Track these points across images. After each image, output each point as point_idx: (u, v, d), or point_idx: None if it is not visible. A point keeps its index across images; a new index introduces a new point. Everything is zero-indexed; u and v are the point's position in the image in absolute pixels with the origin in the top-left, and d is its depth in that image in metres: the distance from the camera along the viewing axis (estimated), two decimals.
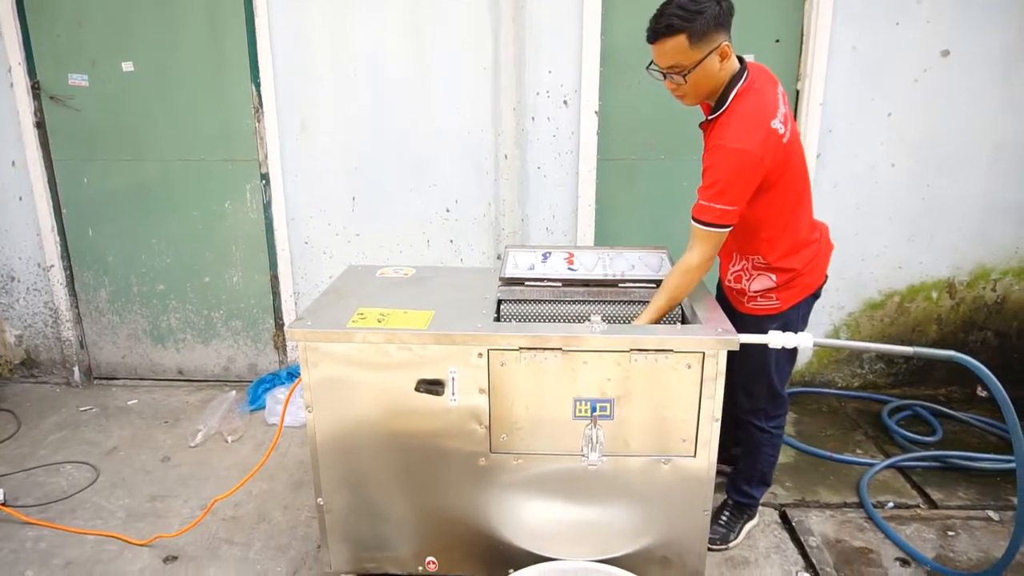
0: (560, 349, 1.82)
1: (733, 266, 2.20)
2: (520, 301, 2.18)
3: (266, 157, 3.28)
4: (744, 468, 2.41)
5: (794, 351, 2.25)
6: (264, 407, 3.28)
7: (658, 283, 2.14)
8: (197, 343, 3.57)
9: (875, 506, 2.56)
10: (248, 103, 3.22)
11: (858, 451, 2.95)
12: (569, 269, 2.24)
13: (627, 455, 1.91)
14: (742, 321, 2.20)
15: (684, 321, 2.12)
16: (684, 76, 1.88)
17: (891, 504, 2.59)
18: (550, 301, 2.18)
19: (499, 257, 3.36)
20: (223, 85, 3.21)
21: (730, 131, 1.86)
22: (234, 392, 3.42)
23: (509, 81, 3.14)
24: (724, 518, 2.43)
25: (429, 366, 1.86)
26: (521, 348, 1.82)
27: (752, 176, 1.87)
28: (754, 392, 2.28)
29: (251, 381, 3.53)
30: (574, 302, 2.18)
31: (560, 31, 3.09)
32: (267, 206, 3.34)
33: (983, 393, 3.43)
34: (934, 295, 3.36)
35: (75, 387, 3.61)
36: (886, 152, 3.18)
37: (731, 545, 2.38)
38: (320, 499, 2.01)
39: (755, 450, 2.36)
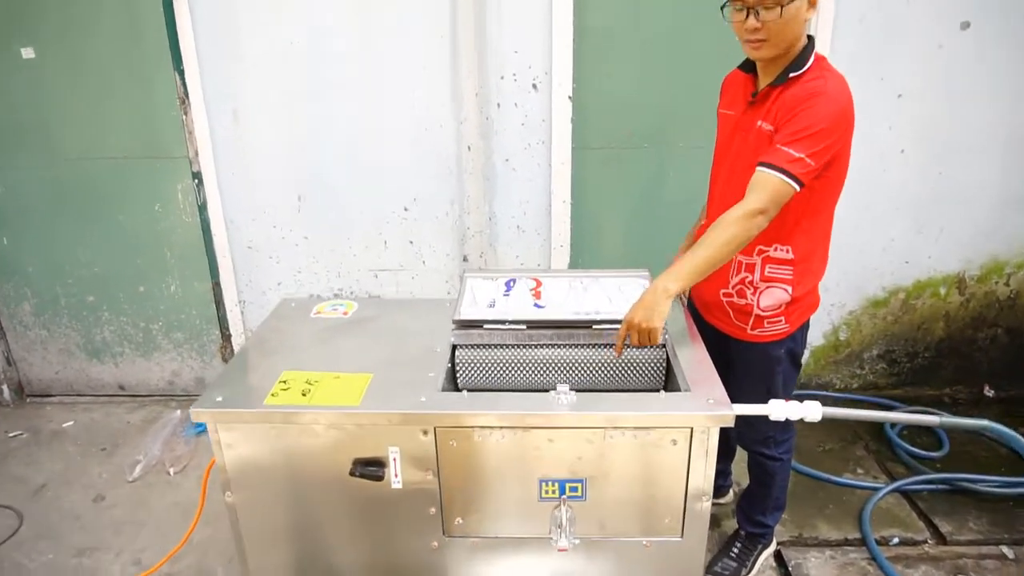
0: (520, 427, 1.52)
1: (735, 275, 1.89)
2: (478, 346, 1.87)
3: (197, 154, 2.89)
4: (757, 499, 2.21)
5: (799, 361, 2.02)
6: None
7: None
8: (137, 357, 3.25)
9: (879, 543, 2.34)
10: (172, 93, 2.81)
11: (859, 470, 2.71)
12: (535, 305, 1.92)
13: (603, 538, 1.63)
14: (743, 351, 1.95)
15: (668, 374, 1.82)
16: (780, 9, 1.61)
17: (896, 540, 2.37)
18: (513, 346, 1.87)
19: (465, 259, 3.03)
20: (141, 73, 2.79)
21: (827, 84, 1.65)
22: (179, 411, 3.12)
23: (470, 62, 2.75)
24: (736, 550, 2.25)
25: (365, 444, 1.57)
26: (473, 427, 1.52)
27: (840, 135, 1.66)
28: (758, 421, 2.01)
29: (199, 396, 3.22)
30: (541, 346, 1.87)
31: (527, 3, 2.68)
32: (202, 208, 2.97)
33: (990, 393, 3.19)
34: (942, 291, 3.08)
35: (6, 406, 3.29)
36: (895, 137, 2.84)
37: None
38: None
39: (768, 481, 2.15)
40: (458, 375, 1.87)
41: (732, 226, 1.62)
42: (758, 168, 1.64)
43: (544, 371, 1.88)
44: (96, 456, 2.91)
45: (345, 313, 1.99)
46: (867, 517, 2.42)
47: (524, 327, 1.86)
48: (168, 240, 3.03)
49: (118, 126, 2.87)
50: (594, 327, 1.85)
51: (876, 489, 2.56)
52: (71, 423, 3.15)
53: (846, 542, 2.36)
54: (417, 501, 1.61)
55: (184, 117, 2.84)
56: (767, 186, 1.61)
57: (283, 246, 3.04)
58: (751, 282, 1.87)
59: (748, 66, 1.85)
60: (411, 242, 3.02)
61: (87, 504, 2.63)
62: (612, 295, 1.98)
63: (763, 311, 1.88)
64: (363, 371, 1.66)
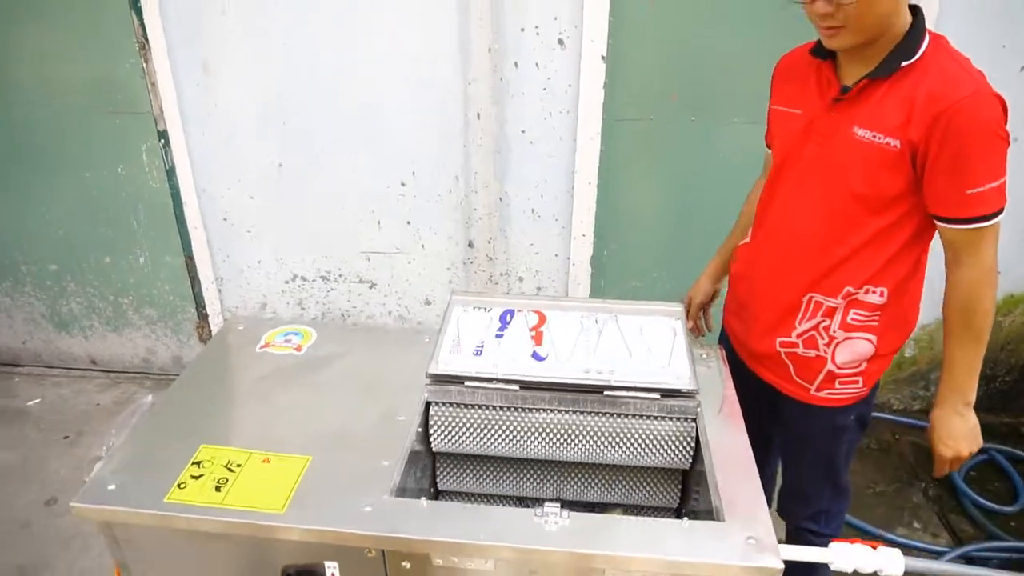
0: (492, 558, 1.15)
1: (804, 320, 1.47)
2: (458, 406, 1.48)
3: (162, 110, 2.47)
4: None
5: (867, 424, 1.62)
6: None
7: (660, 392, 1.43)
8: (108, 331, 2.94)
9: None
10: (129, 37, 2.37)
11: (915, 524, 2.32)
12: (534, 355, 1.51)
13: None
14: (800, 416, 1.57)
15: (695, 453, 1.42)
16: None
17: None
18: (502, 408, 1.48)
19: (470, 244, 2.61)
20: (94, 12, 2.35)
21: (971, 75, 1.25)
22: (149, 397, 2.80)
23: (482, 8, 2.25)
24: None
25: (295, 553, 1.21)
26: (430, 553, 1.16)
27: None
28: (813, 496, 1.67)
29: (176, 376, 2.93)
30: (538, 410, 1.48)
31: None
32: (170, 172, 2.58)
33: None
34: None
35: None
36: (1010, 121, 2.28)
37: None
38: None
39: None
40: (431, 436, 1.50)
41: (983, 301, 1.31)
42: (958, 227, 1.28)
43: (540, 437, 1.49)
44: (57, 446, 2.65)
45: (299, 348, 1.61)
46: None
47: (517, 388, 1.46)
48: (134, 207, 2.66)
49: (71, 74, 2.47)
50: (605, 393, 1.44)
51: (937, 554, 2.17)
52: (37, 401, 2.89)
53: None
54: None
55: (145, 66, 2.41)
56: (981, 239, 1.28)
57: (263, 220, 2.65)
58: (827, 330, 1.46)
59: (822, 50, 1.36)
60: (408, 222, 2.60)
61: (39, 507, 2.38)
62: (632, 343, 1.55)
63: (839, 368, 1.47)
64: (301, 450, 1.29)
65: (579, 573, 1.15)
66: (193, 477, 1.24)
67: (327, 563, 1.21)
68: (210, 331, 2.87)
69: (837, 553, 1.12)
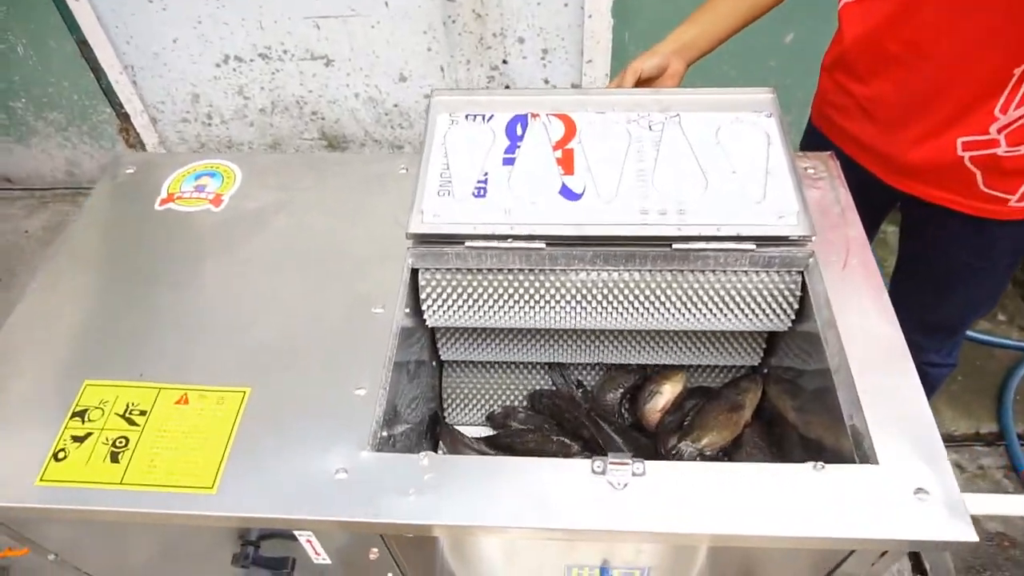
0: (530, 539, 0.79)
1: (1011, 107, 0.98)
2: (458, 271, 1.03)
3: None
4: None
5: None
6: None
7: (756, 240, 0.96)
8: (11, 143, 2.38)
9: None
10: None
11: (1000, 315, 1.99)
12: (564, 192, 1.02)
13: None
14: (979, 235, 1.16)
15: (801, 310, 1.00)
16: None
17: None
18: (522, 271, 1.03)
19: (452, 21, 1.93)
20: None
21: None
22: None
23: None
24: None
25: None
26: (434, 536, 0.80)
27: None
28: (961, 328, 1.37)
29: None
30: (575, 270, 1.03)
31: None
32: None
33: None
34: None
35: None
36: None
37: None
38: None
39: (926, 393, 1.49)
40: (424, 309, 1.07)
41: None
42: None
43: (577, 304, 1.06)
44: None
45: (217, 200, 1.10)
46: (1009, 402, 1.77)
47: (543, 245, 0.99)
48: None
49: None
50: (674, 247, 0.98)
51: None
52: None
53: (977, 438, 1.75)
54: (362, 571, 0.96)
55: None
56: None
57: None
58: None
59: None
60: None
61: None
62: (707, 161, 1.05)
63: None
64: (234, 378, 0.87)
65: (662, 549, 0.79)
66: (75, 438, 0.83)
67: (298, 532, 0.86)
68: (137, 133, 2.30)
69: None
